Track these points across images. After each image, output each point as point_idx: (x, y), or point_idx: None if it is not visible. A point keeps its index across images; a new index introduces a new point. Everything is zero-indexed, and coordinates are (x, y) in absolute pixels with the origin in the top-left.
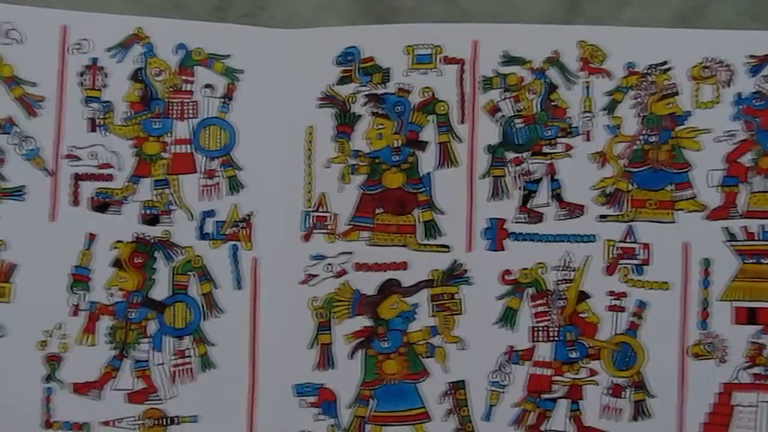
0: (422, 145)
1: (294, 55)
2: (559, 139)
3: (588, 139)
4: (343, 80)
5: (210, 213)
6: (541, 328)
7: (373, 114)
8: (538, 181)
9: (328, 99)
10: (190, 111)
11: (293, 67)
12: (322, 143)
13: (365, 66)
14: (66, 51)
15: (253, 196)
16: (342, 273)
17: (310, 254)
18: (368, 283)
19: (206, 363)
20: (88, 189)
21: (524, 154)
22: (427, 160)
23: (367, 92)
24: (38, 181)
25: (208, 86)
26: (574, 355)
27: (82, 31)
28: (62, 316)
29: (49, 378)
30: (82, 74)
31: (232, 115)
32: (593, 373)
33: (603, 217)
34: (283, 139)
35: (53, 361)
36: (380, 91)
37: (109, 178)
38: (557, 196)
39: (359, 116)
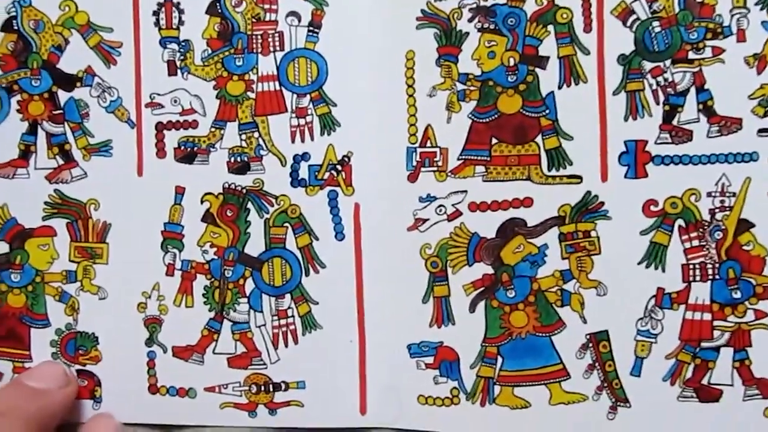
0: (542, 62)
1: None
2: (706, 42)
3: (742, 40)
4: None
5: (304, 156)
6: (696, 266)
7: (482, 30)
8: (683, 93)
9: (429, 18)
10: (275, 43)
11: None
12: (424, 69)
13: None
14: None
15: (350, 134)
16: (456, 215)
17: (419, 196)
18: (487, 225)
19: (310, 323)
20: (172, 139)
21: (665, 63)
22: (548, 79)
23: (473, 5)
24: (123, 134)
25: (292, 14)
26: (737, 295)
27: None
28: (158, 276)
29: (150, 341)
30: (156, 13)
31: (322, 45)
32: (762, 315)
33: (764, 130)
34: (379, 67)
35: (153, 323)
36: (488, 2)
37: (194, 125)
38: (708, 110)
39: (466, 34)
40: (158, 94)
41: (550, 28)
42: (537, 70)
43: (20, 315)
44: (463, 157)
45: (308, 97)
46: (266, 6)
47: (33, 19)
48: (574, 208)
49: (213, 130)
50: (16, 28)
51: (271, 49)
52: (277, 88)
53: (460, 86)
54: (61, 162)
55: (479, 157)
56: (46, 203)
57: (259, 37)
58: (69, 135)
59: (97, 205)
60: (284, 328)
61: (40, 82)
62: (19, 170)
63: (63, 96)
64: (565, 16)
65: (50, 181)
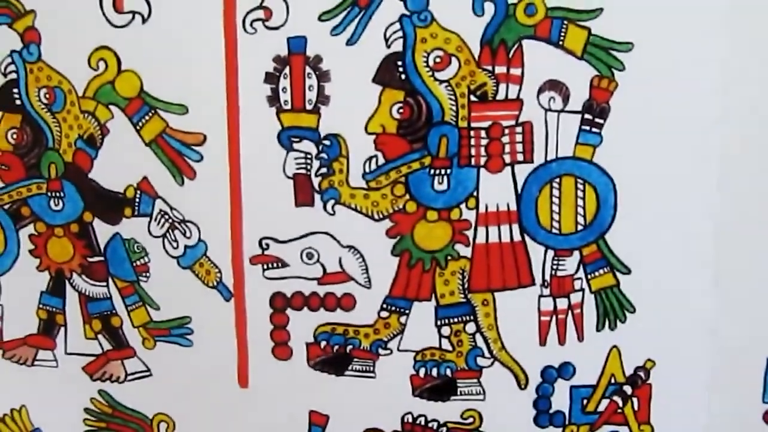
0: None
1: None
2: None
3: None
4: None
5: (562, 370)
6: None
7: None
8: None
9: None
10: (515, 147)
11: None
12: None
13: None
14: (236, 27)
15: (653, 329)
16: None
17: None
18: None
19: None
20: (304, 326)
21: None
22: None
23: None
24: (210, 309)
25: (552, 86)
26: None
27: None
28: None
29: None
30: (273, 78)
31: (608, 152)
32: None
33: None
34: (719, 208)
35: None
36: None
37: (346, 303)
38: None
39: None
40: (276, 241)
41: None
42: None
43: None
44: None
45: (576, 255)
46: (499, 69)
47: (45, 86)
48: None
49: (384, 315)
50: (18, 102)
51: (506, 158)
52: (516, 237)
53: None
54: (107, 346)
55: None
56: (87, 412)
57: (484, 134)
58: (117, 301)
59: (171, 425)
60: None
61: (63, 203)
62: (40, 353)
63: (103, 231)
64: None
65: (92, 376)
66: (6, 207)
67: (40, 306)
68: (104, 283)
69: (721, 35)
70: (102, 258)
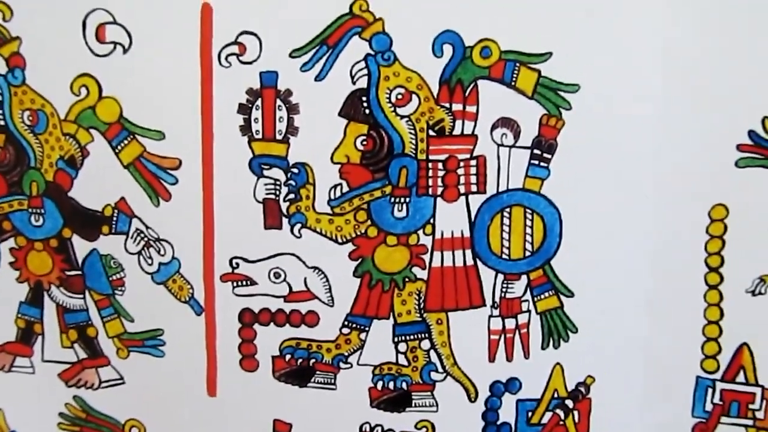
0: None
1: None
2: None
3: None
4: None
5: (509, 385)
6: None
7: None
8: None
9: (762, 148)
10: (469, 179)
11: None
12: (742, 241)
13: None
14: (211, 60)
15: (594, 348)
16: None
17: None
18: None
19: None
20: (270, 341)
21: None
22: None
23: None
24: (182, 323)
25: (504, 123)
26: None
27: (238, 17)
28: None
29: None
30: (245, 108)
31: (554, 185)
32: None
33: None
34: (654, 231)
35: None
36: None
37: (310, 320)
38: None
39: None
40: (245, 260)
41: None
42: None
43: None
44: None
45: (524, 279)
46: (456, 106)
47: (29, 108)
48: None
49: (345, 332)
50: (2, 123)
51: (461, 189)
52: (469, 262)
53: None
54: (82, 355)
55: None
56: (62, 416)
57: (441, 166)
58: (93, 313)
59: (142, 430)
60: None
61: (43, 219)
62: (18, 360)
63: (81, 247)
64: None
65: (67, 382)
66: None
67: (19, 315)
68: (81, 296)
69: (657, 79)
70: (79, 272)
